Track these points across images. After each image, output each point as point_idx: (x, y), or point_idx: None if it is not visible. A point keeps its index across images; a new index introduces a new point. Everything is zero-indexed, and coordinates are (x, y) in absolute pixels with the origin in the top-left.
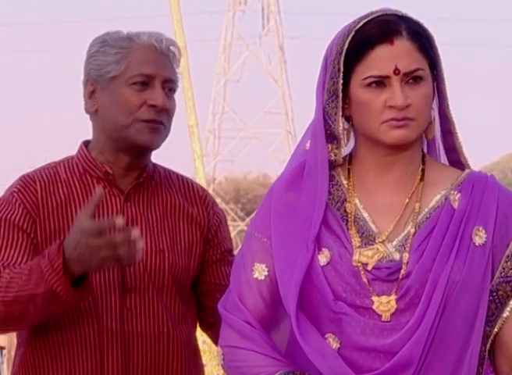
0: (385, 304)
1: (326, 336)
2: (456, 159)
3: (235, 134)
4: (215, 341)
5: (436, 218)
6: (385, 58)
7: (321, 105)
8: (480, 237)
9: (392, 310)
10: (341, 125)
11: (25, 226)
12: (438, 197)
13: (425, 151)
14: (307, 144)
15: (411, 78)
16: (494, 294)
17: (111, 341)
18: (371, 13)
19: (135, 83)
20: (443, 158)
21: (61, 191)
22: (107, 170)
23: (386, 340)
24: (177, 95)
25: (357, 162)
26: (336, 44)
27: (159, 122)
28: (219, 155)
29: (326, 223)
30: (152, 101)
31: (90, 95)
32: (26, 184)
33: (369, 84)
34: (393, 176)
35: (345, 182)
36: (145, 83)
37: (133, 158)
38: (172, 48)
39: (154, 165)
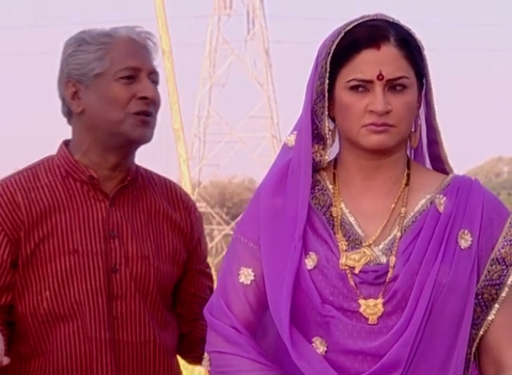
0: (372, 307)
1: (313, 339)
2: (441, 168)
3: (220, 138)
4: (188, 351)
5: (422, 221)
6: (370, 62)
7: (310, 103)
8: (465, 240)
9: (379, 313)
10: (327, 125)
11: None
12: (423, 201)
13: (412, 158)
14: (292, 140)
15: (395, 85)
16: (479, 297)
17: (100, 349)
18: (363, 17)
19: (122, 77)
20: (429, 167)
21: (43, 197)
22: (91, 174)
23: (373, 343)
24: (162, 99)
25: (342, 167)
26: (326, 44)
27: (149, 114)
28: (205, 159)
29: (312, 226)
30: (142, 93)
31: (73, 96)
32: (2, 195)
33: (352, 87)
34: (378, 181)
35: (330, 187)
36: (132, 76)
37: (120, 157)
38: (149, 40)
39: (137, 166)
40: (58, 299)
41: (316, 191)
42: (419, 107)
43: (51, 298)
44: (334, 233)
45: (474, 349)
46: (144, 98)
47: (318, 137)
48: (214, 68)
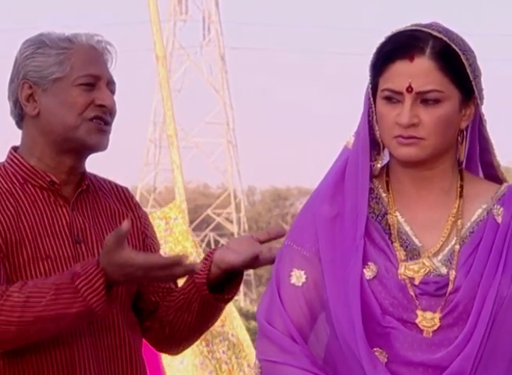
0: (428, 320)
1: (373, 350)
2: (493, 174)
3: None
4: (156, 344)
5: (481, 232)
6: (402, 74)
7: (367, 108)
8: None
9: (435, 327)
10: (377, 130)
11: None
12: (479, 211)
13: (464, 166)
14: (351, 142)
15: (427, 98)
16: None
17: (82, 354)
18: (409, 25)
19: (82, 83)
20: (481, 174)
21: (8, 204)
22: (52, 179)
23: (435, 355)
24: (157, 105)
25: (394, 175)
26: (374, 51)
27: (106, 122)
28: (160, 164)
29: (369, 236)
30: (100, 101)
31: (28, 98)
32: None
33: (386, 97)
34: (430, 191)
35: (384, 195)
36: (91, 84)
37: (75, 160)
38: (107, 50)
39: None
40: None
41: (370, 199)
42: (469, 118)
43: None
44: (391, 242)
45: None
46: (101, 106)
47: (373, 143)
48: (169, 73)
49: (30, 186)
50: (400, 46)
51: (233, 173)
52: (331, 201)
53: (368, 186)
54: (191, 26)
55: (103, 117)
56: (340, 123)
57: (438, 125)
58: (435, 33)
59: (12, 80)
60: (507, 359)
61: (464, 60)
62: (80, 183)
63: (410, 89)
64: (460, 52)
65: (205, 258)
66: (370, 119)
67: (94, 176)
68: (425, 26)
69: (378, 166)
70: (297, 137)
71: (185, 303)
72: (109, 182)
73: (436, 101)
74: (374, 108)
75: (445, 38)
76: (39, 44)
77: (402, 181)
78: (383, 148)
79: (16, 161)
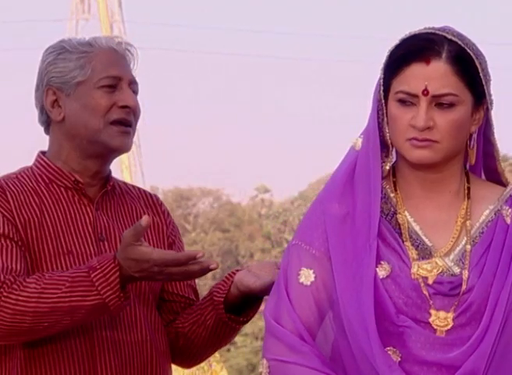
0: (442, 319)
1: (386, 349)
2: (497, 179)
3: None
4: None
5: (491, 233)
6: (417, 76)
7: (376, 110)
8: None
9: (448, 327)
10: (387, 132)
11: (9, 233)
12: (487, 211)
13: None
14: (359, 144)
15: (442, 102)
16: None
17: (102, 348)
18: (422, 29)
19: (104, 85)
20: (483, 178)
21: (32, 201)
22: (77, 179)
23: (448, 354)
24: None
25: (401, 176)
26: (387, 53)
27: (129, 123)
28: None
29: (381, 235)
30: (123, 102)
31: (53, 104)
32: None
33: (400, 100)
34: (439, 194)
35: (392, 195)
36: (113, 85)
37: (100, 165)
38: (128, 51)
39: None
40: None
41: None
42: (478, 123)
43: None
44: (403, 242)
45: None
46: (124, 106)
47: (381, 144)
48: None
49: (55, 186)
50: (416, 49)
51: (137, 173)
52: (340, 200)
53: (380, 187)
54: (94, 25)
55: (126, 118)
56: (243, 123)
57: (452, 128)
58: (450, 37)
59: (37, 88)
60: None
61: (477, 64)
62: (105, 185)
63: (426, 92)
64: (474, 57)
65: (226, 277)
66: (380, 121)
67: (124, 182)
68: (439, 29)
69: (387, 167)
70: (200, 137)
71: (201, 318)
72: (139, 188)
73: (451, 105)
74: (385, 110)
75: (459, 42)
76: (60, 51)
77: (410, 183)
78: (392, 149)
79: (43, 163)
